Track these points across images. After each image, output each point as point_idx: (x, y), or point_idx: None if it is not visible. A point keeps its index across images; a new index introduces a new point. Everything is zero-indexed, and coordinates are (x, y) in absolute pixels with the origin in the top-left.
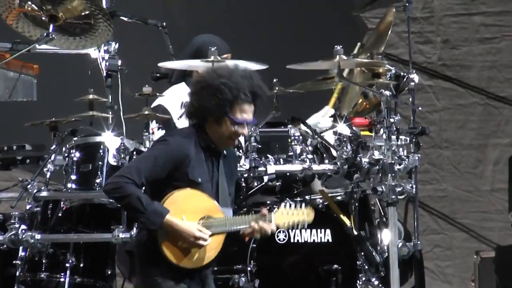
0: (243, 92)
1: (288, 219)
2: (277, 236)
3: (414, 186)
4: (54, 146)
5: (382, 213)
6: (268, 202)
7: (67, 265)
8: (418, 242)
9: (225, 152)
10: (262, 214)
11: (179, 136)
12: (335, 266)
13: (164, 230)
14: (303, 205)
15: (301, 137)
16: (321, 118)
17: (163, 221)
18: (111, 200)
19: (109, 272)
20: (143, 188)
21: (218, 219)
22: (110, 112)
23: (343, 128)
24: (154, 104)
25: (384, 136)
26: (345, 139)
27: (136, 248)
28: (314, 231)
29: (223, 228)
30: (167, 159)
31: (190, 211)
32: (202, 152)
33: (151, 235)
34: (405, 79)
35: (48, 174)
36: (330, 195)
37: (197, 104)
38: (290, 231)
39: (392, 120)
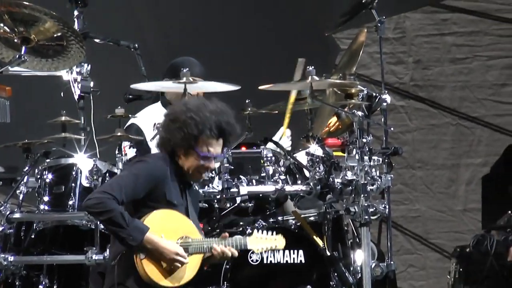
0: (209, 128)
1: (261, 244)
2: (250, 257)
3: (387, 207)
4: (27, 168)
5: (355, 234)
6: (241, 223)
7: (41, 287)
8: (392, 262)
9: (192, 184)
10: (223, 236)
11: (156, 157)
12: (308, 287)
13: (143, 249)
14: (274, 232)
15: (273, 158)
16: (279, 141)
17: (144, 238)
18: (84, 222)
19: None
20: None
21: (196, 240)
22: (83, 134)
23: (315, 148)
24: (128, 123)
25: (357, 157)
26: (317, 159)
27: (112, 268)
28: (287, 252)
29: (201, 249)
30: (148, 177)
31: (169, 230)
32: (175, 178)
33: (128, 254)
34: (377, 100)
35: (21, 196)
36: (303, 216)
37: (166, 136)
38: (263, 252)
39: (364, 140)
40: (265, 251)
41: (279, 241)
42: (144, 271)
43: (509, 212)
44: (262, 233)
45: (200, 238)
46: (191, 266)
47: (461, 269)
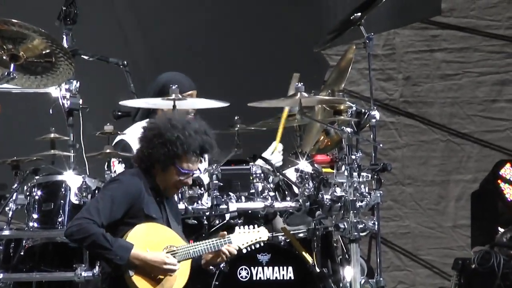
0: (193, 149)
1: (245, 239)
2: (239, 274)
3: (376, 223)
4: (15, 185)
5: (345, 250)
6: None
7: None
8: (381, 279)
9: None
10: (221, 235)
11: (129, 174)
12: None
13: (131, 266)
14: (256, 225)
15: (262, 175)
16: (271, 155)
17: (130, 255)
18: None
19: None
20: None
21: (181, 247)
22: (72, 151)
23: (305, 165)
24: (116, 140)
25: (346, 173)
26: (307, 176)
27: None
28: (276, 268)
29: (187, 254)
30: (124, 197)
31: (153, 243)
32: (151, 191)
33: (117, 273)
34: (366, 116)
35: (10, 213)
36: (292, 232)
37: (147, 151)
38: (252, 268)
39: (353, 157)
40: (250, 245)
41: (262, 232)
42: (138, 287)
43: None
44: (244, 228)
45: (185, 245)
46: (181, 274)
47: (462, 281)
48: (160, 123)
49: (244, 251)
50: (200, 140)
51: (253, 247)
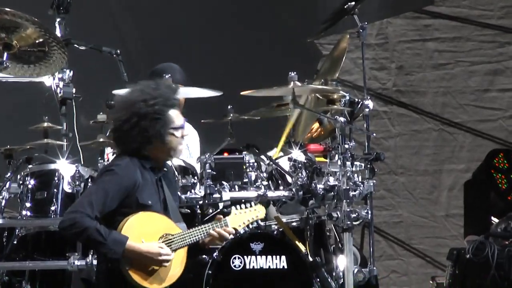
0: (171, 103)
1: (242, 220)
2: (233, 263)
3: (369, 212)
4: (9, 174)
5: (338, 239)
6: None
7: None
8: (374, 268)
9: (165, 169)
10: (217, 218)
11: (124, 162)
12: None
13: (127, 259)
14: (253, 203)
15: (256, 164)
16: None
17: (124, 249)
18: None
19: None
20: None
21: (177, 235)
22: (65, 140)
23: (298, 154)
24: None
25: (339, 162)
26: (300, 165)
27: (98, 280)
28: (269, 257)
29: (183, 242)
30: (117, 189)
31: (148, 234)
32: (147, 173)
33: (114, 265)
34: (359, 105)
35: (3, 201)
36: (285, 221)
37: (141, 136)
38: (245, 257)
39: (346, 146)
40: (248, 225)
41: (259, 210)
42: (134, 280)
43: (506, 216)
44: (240, 208)
45: (181, 232)
46: (177, 262)
47: (457, 272)
48: (134, 104)
49: (242, 231)
50: (166, 92)
51: (246, 235)
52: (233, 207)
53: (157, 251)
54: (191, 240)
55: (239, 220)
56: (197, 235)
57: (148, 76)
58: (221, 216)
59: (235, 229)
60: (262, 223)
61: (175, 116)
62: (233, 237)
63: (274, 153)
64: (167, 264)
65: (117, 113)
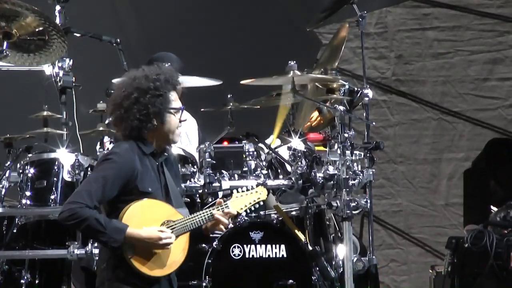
0: (173, 82)
1: (243, 202)
2: (232, 252)
3: (368, 201)
4: (8, 163)
5: (337, 228)
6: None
7: (22, 281)
8: (373, 257)
9: (166, 154)
10: (218, 203)
11: (122, 150)
12: (290, 281)
13: (129, 245)
14: (254, 185)
15: (255, 153)
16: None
17: (124, 237)
18: None
19: None
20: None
21: (178, 221)
22: (65, 129)
23: (297, 143)
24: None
25: (339, 151)
26: (299, 154)
27: (100, 268)
28: (269, 246)
29: (185, 228)
30: (116, 177)
31: (149, 221)
32: (147, 159)
33: (116, 253)
34: (359, 94)
35: (3, 190)
36: (284, 210)
37: (140, 113)
38: (245, 246)
39: (346, 135)
40: (250, 208)
41: (261, 191)
42: (137, 268)
43: (505, 205)
44: (241, 190)
45: (182, 218)
46: (179, 248)
47: (455, 261)
48: (130, 86)
49: (244, 214)
50: (169, 71)
51: (246, 224)
52: (234, 190)
53: (157, 235)
54: (192, 226)
55: (241, 203)
56: (199, 220)
57: (146, 64)
58: (222, 200)
59: (237, 212)
60: (262, 212)
61: (175, 99)
62: (232, 225)
63: (271, 140)
64: (169, 247)
65: (117, 90)
